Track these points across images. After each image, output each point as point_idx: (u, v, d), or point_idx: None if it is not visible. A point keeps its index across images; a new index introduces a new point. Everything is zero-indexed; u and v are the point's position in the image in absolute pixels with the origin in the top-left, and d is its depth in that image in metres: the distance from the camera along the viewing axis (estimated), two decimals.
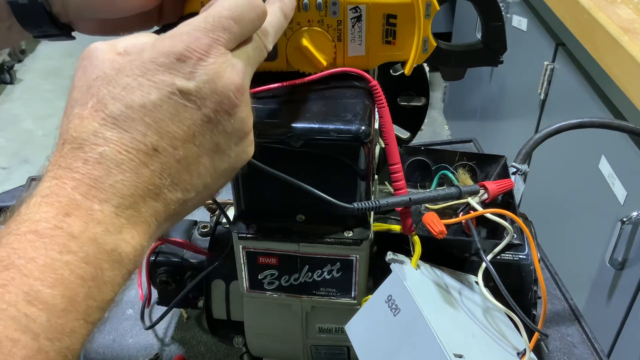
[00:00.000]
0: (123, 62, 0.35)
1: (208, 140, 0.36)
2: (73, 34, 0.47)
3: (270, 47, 0.41)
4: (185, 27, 0.36)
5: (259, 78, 0.50)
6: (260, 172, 0.48)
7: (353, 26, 0.48)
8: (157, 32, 0.48)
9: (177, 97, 0.34)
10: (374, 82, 0.48)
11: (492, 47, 0.51)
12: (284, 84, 0.48)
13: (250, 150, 0.40)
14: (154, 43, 0.35)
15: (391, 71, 0.64)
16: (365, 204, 0.48)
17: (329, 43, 0.48)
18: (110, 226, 0.33)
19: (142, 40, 0.36)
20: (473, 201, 0.54)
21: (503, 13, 0.50)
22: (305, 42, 0.48)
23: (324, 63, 0.48)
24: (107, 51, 0.36)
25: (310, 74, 0.49)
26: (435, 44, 0.49)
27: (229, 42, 0.36)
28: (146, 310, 0.73)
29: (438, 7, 0.47)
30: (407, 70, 0.50)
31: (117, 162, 0.33)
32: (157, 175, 0.34)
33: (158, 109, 0.34)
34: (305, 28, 0.48)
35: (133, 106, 0.34)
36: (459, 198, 0.53)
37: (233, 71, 0.36)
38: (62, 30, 0.45)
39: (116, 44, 0.36)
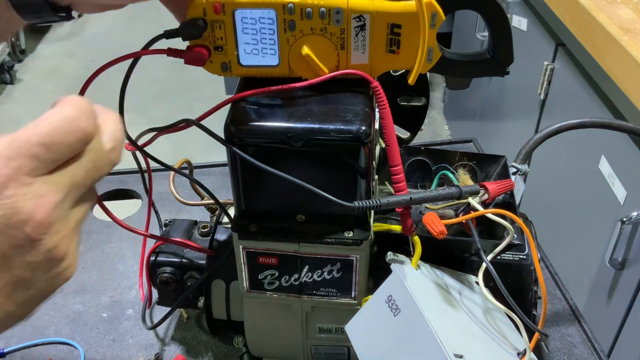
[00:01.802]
0: None
1: (4, 274, 0.34)
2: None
3: (118, 159, 0.37)
4: None
5: (260, 79, 0.50)
6: (261, 172, 0.48)
7: (357, 35, 0.47)
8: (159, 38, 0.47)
9: None
10: (376, 83, 0.48)
11: (499, 58, 0.51)
12: (284, 87, 0.48)
13: (68, 273, 0.37)
14: None
15: (391, 71, 0.64)
16: (366, 202, 0.48)
17: (331, 51, 0.48)
18: None
19: None
20: (473, 201, 0.54)
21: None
22: (308, 49, 0.47)
23: (326, 71, 0.48)
24: None
25: None
26: (440, 54, 0.49)
27: (36, 170, 0.33)
28: (146, 311, 0.73)
29: (444, 17, 0.46)
30: (411, 80, 0.49)
31: None
32: None
33: None
34: (308, 35, 0.48)
35: None
36: (459, 198, 0.53)
37: (36, 204, 0.33)
38: (61, 14, 0.44)
39: None
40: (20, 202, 0.32)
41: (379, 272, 0.54)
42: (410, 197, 0.49)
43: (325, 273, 0.54)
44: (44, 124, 0.33)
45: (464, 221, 0.54)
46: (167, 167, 0.57)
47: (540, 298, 0.56)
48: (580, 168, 1.23)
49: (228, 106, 0.50)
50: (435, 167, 0.66)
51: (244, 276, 0.56)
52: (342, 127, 0.47)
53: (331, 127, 0.47)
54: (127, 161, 0.69)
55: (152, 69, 2.70)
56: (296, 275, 0.55)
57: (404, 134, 0.70)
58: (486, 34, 0.60)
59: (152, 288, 0.69)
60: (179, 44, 0.49)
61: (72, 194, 0.35)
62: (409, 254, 0.52)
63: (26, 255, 0.34)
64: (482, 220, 0.54)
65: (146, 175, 0.61)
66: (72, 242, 0.36)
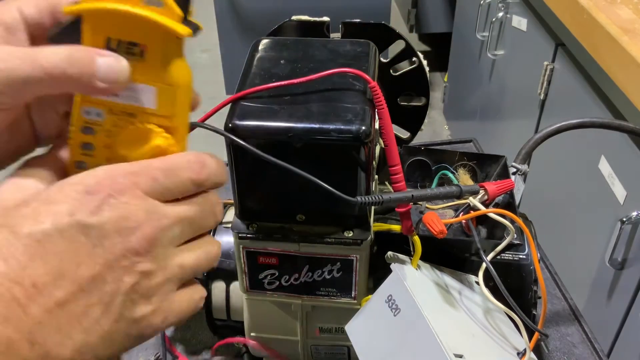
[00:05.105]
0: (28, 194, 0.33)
1: (100, 286, 0.32)
2: None
3: (219, 218, 0.38)
4: (103, 169, 0.33)
5: (261, 80, 0.50)
6: (261, 172, 0.48)
7: None
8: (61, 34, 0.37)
9: (74, 229, 0.31)
10: (374, 84, 0.48)
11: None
12: (283, 83, 0.48)
13: (152, 321, 0.35)
14: (64, 180, 0.33)
15: (391, 71, 0.64)
16: (368, 198, 0.48)
17: None
18: None
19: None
20: (474, 201, 0.54)
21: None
22: None
23: None
24: None
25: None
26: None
27: (152, 191, 0.33)
28: None
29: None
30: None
31: None
32: (34, 320, 0.30)
33: (47, 240, 0.30)
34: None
35: (19, 233, 0.30)
36: (459, 197, 0.53)
37: (146, 217, 0.33)
38: None
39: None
40: (134, 210, 0.32)
41: (379, 272, 0.54)
42: (412, 195, 0.49)
43: (325, 273, 0.54)
44: (168, 158, 0.35)
45: (463, 221, 0.54)
46: None
47: (540, 298, 0.56)
48: (580, 168, 1.23)
49: (228, 106, 0.50)
50: (435, 167, 0.66)
51: (244, 276, 0.56)
52: (342, 127, 0.47)
53: (331, 127, 0.47)
54: None
55: None
56: (296, 275, 0.55)
57: (404, 134, 0.70)
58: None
59: None
60: None
61: (179, 228, 0.35)
62: (409, 254, 0.52)
63: (121, 272, 0.32)
64: (482, 220, 0.54)
65: None
66: (165, 288, 0.35)
